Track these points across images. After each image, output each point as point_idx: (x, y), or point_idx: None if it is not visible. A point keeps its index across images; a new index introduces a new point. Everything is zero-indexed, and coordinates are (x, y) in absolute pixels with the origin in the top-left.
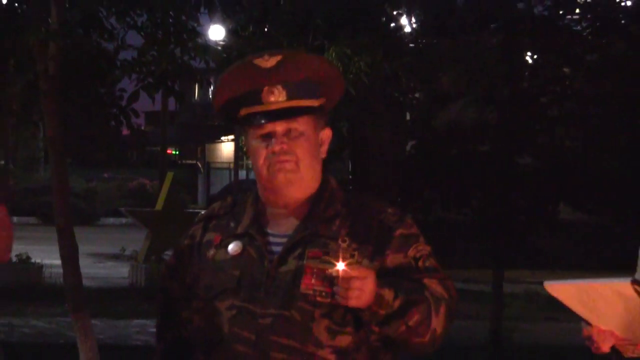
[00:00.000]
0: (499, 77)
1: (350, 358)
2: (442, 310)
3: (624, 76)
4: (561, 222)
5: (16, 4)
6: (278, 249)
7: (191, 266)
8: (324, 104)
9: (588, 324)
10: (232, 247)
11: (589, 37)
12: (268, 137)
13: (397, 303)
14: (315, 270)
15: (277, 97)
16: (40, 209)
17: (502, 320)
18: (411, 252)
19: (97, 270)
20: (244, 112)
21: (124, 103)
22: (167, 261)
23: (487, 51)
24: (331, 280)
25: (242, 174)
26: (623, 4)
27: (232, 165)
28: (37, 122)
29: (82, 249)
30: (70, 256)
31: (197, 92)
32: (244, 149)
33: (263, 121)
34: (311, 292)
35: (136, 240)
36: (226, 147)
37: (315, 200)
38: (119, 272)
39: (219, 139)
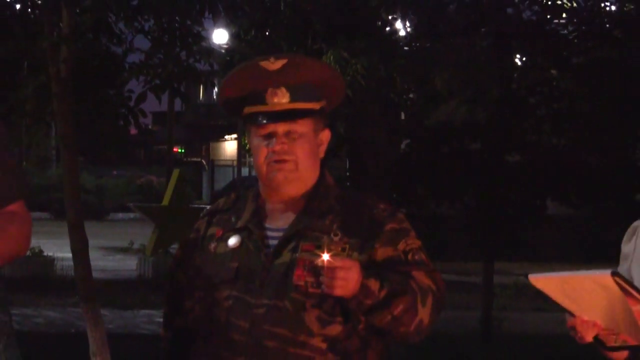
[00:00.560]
0: (489, 78)
1: (341, 346)
2: (429, 301)
3: (608, 77)
4: (548, 216)
5: (29, 10)
6: (274, 242)
7: (194, 258)
8: (324, 106)
9: (572, 314)
10: (231, 240)
11: (575, 41)
12: (269, 136)
13: (382, 293)
14: (306, 262)
15: (280, 99)
16: (52, 204)
17: (492, 310)
18: (401, 246)
19: (106, 262)
20: (247, 110)
21: (132, 104)
22: (174, 254)
23: (478, 54)
24: (319, 271)
25: (245, 171)
26: (607, 9)
27: (235, 163)
28: (49, 122)
29: (92, 242)
30: (80, 249)
31: (201, 94)
32: (247, 147)
33: (265, 121)
34: (302, 283)
35: (144, 234)
36: (229, 146)
37: (311, 196)
38: (128, 265)
39: (223, 137)
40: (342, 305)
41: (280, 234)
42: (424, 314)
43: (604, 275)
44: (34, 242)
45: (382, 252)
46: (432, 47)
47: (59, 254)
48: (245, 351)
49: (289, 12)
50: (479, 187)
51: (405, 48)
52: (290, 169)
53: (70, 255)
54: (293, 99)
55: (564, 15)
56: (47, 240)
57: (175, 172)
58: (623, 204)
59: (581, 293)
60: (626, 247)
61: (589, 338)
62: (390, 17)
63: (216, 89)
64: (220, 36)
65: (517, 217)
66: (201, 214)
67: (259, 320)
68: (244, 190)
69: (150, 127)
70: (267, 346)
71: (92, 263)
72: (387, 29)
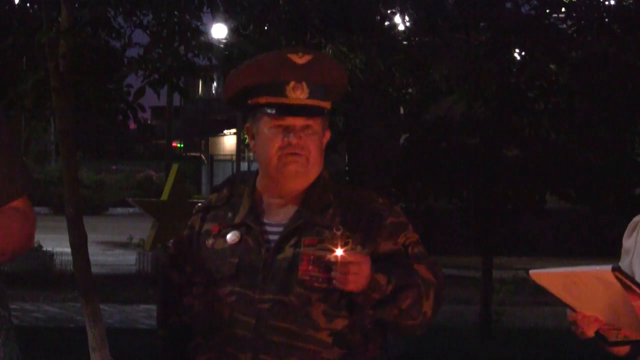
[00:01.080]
0: (487, 73)
1: (345, 340)
2: (432, 294)
3: (607, 72)
4: (547, 211)
5: (28, 5)
6: (274, 237)
7: (191, 255)
8: (330, 107)
9: (573, 310)
10: (230, 236)
11: (574, 35)
12: (286, 129)
13: (390, 287)
14: (311, 257)
15: (300, 94)
16: (52, 199)
17: (491, 304)
18: (401, 240)
19: (105, 257)
20: (264, 100)
21: (131, 98)
22: (168, 251)
23: (476, 48)
24: (328, 266)
25: (244, 166)
26: (606, 3)
27: (234, 158)
28: (48, 117)
29: (92, 237)
30: (79, 244)
31: (200, 88)
32: (246, 142)
33: (285, 114)
34: (308, 278)
35: (143, 229)
36: (228, 140)
37: (309, 191)
38: (127, 260)
39: (222, 132)
40: (348, 299)
41: (279, 229)
42: (427, 307)
43: (605, 271)
44: None
45: (384, 246)
46: (430, 41)
47: (58, 249)
48: (251, 346)
49: (288, 7)
50: (478, 182)
51: (404, 43)
52: (303, 163)
53: (69, 250)
54: (311, 96)
55: (562, 9)
56: (46, 235)
57: (175, 167)
58: (622, 198)
59: (582, 288)
60: (627, 242)
61: (590, 333)
62: (388, 12)
63: (215, 84)
64: (219, 31)
65: (516, 212)
66: (194, 211)
67: (264, 315)
68: (238, 186)
69: (149, 121)
70: (273, 341)
71: (91, 258)
72: (386, 23)
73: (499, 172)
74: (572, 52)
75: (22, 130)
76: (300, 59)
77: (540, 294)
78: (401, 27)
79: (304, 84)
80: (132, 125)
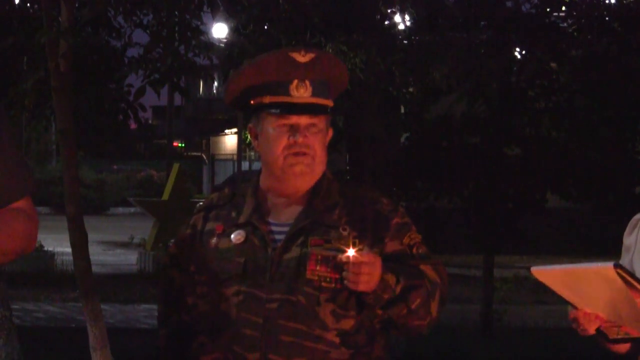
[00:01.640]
0: (488, 72)
1: (351, 340)
2: (437, 294)
3: (607, 70)
4: (548, 210)
5: (28, 5)
6: (280, 237)
7: (194, 254)
8: (332, 104)
9: (574, 307)
10: (235, 235)
11: (575, 34)
12: (291, 128)
13: (399, 288)
14: (319, 257)
15: (304, 92)
16: (53, 199)
17: (493, 303)
18: (406, 240)
19: (106, 257)
20: (268, 99)
21: (131, 98)
22: (169, 250)
23: (477, 47)
24: (338, 266)
25: (245, 165)
26: (607, 1)
27: (235, 157)
28: (49, 116)
29: (93, 237)
30: (80, 244)
31: (201, 88)
32: (248, 141)
33: (290, 112)
34: (316, 277)
35: (144, 229)
36: (229, 140)
37: (314, 191)
38: (128, 259)
39: (223, 131)
40: (357, 299)
41: (285, 228)
42: (434, 307)
43: (606, 268)
44: None
45: (390, 246)
46: (431, 40)
47: (59, 249)
48: (259, 346)
49: (288, 6)
50: (479, 181)
51: (404, 42)
52: (308, 162)
53: (70, 250)
54: (315, 94)
55: (563, 8)
56: (48, 235)
57: (175, 167)
58: (623, 197)
59: (583, 285)
60: (628, 240)
61: (591, 330)
62: (389, 11)
63: (216, 83)
64: (219, 30)
65: (517, 211)
66: (195, 210)
67: (272, 315)
68: (241, 185)
69: (150, 121)
70: (282, 341)
71: (92, 258)
72: (386, 22)
73: (500, 171)
74: (572, 51)
75: (22, 130)
76: (303, 58)
77: (542, 292)
78: (401, 26)
79: (307, 82)
80: (133, 125)
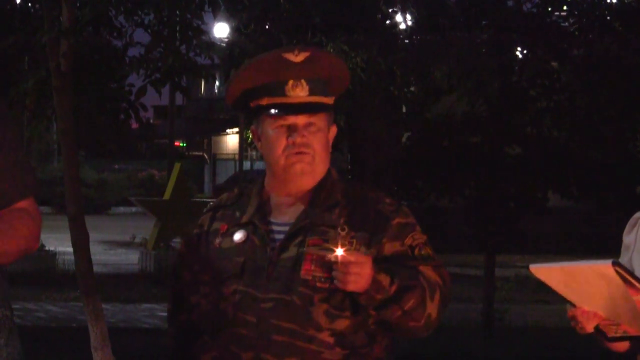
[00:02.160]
0: (489, 71)
1: (348, 340)
2: (437, 296)
3: (608, 70)
4: (549, 209)
5: (29, 4)
6: (280, 236)
7: (199, 254)
8: (333, 102)
9: (572, 305)
10: (237, 235)
11: (576, 33)
12: (289, 128)
13: (393, 288)
14: (314, 257)
15: (300, 92)
16: (54, 198)
17: (494, 302)
18: (408, 241)
19: (108, 257)
20: (265, 101)
21: (132, 98)
22: (178, 249)
23: (478, 47)
24: (330, 266)
25: (247, 165)
26: (608, 1)
27: (236, 157)
28: (50, 116)
29: (94, 236)
30: (81, 243)
31: (202, 87)
32: (249, 141)
33: (286, 113)
34: (310, 277)
35: (145, 228)
36: (231, 139)
37: (317, 190)
38: (129, 259)
39: (224, 131)
40: (351, 299)
41: (285, 228)
42: (432, 308)
43: (605, 265)
44: None
45: (390, 247)
46: (432, 40)
47: (61, 249)
48: (253, 345)
49: (289, 6)
50: (480, 180)
51: (406, 41)
52: (309, 162)
53: (71, 249)
54: (312, 93)
55: (564, 7)
56: (49, 234)
57: (177, 166)
58: (624, 196)
59: (582, 283)
60: (627, 238)
61: (589, 328)
62: (390, 10)
63: (217, 83)
64: (220, 30)
65: (518, 210)
66: (204, 210)
67: (266, 314)
68: (247, 185)
69: (151, 121)
70: (275, 340)
71: (94, 257)
72: (387, 22)
73: (501, 170)
74: (573, 50)
75: (23, 130)
76: (297, 57)
77: (543, 292)
78: (402, 26)
79: (302, 81)
80: (135, 125)
